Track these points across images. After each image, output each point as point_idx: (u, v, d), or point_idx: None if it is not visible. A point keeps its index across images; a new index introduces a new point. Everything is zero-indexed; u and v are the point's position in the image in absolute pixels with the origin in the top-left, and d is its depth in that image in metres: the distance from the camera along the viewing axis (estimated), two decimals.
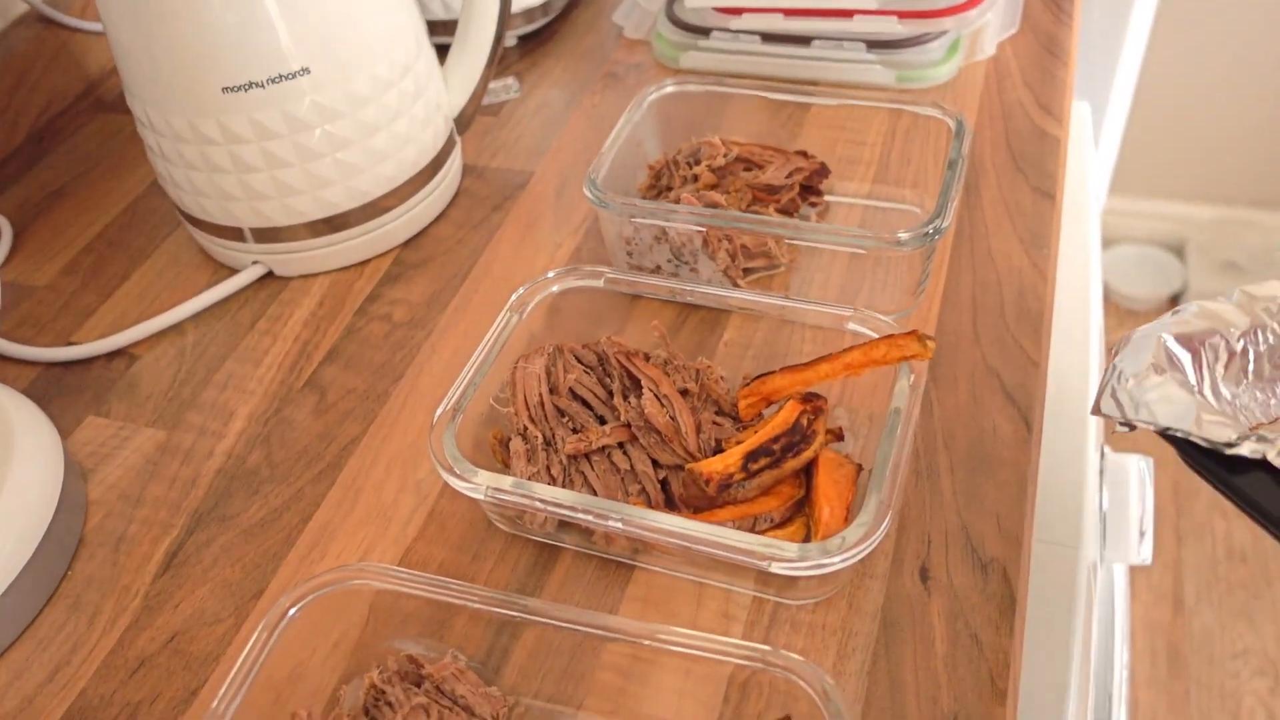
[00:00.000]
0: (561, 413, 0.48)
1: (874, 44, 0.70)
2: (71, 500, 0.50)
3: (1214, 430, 0.38)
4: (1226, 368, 0.43)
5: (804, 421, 0.45)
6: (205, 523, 0.50)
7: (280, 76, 0.55)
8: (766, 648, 0.37)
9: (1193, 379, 0.42)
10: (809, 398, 0.46)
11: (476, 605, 0.41)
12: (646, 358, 0.49)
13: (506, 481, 0.43)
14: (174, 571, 0.48)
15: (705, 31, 0.73)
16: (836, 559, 0.39)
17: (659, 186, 0.61)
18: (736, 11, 0.72)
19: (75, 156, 0.76)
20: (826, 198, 0.62)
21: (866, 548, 0.39)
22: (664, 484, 0.46)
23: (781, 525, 0.45)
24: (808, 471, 0.46)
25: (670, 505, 0.46)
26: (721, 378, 0.49)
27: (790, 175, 0.59)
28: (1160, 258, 1.91)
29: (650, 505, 0.45)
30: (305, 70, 0.56)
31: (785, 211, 0.59)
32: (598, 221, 0.63)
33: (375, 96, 0.58)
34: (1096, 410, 0.41)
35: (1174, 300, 1.87)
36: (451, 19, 0.75)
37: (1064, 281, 0.78)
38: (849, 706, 0.35)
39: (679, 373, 0.49)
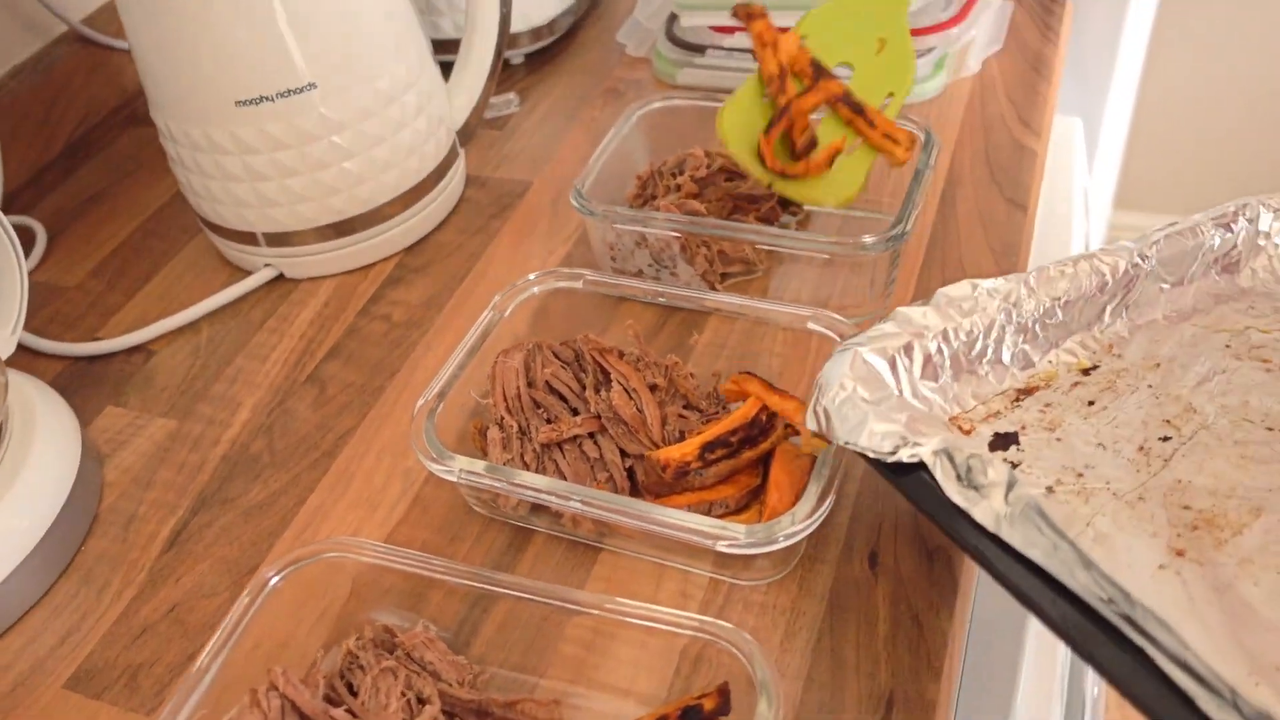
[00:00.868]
0: (537, 404, 0.51)
1: None
2: (88, 482, 0.54)
3: (877, 441, 0.40)
4: (923, 369, 0.45)
5: (763, 417, 0.48)
6: (209, 505, 0.54)
7: (289, 91, 0.59)
8: (704, 618, 0.40)
9: (892, 385, 0.44)
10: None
11: (452, 580, 0.44)
12: (621, 355, 0.52)
13: (479, 466, 0.46)
14: (178, 548, 0.52)
15: (701, 49, 0.77)
16: (780, 539, 0.42)
17: (645, 195, 0.64)
18: (730, 30, 0.75)
19: (108, 167, 0.81)
20: (806, 207, 0.65)
21: (807, 529, 0.42)
22: (630, 472, 0.49)
23: (737, 511, 0.47)
24: (766, 462, 0.48)
25: (635, 492, 0.49)
26: (691, 374, 0.52)
27: None
28: None
29: (616, 491, 0.48)
30: (313, 85, 0.60)
31: (765, 220, 0.62)
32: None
33: (378, 110, 0.62)
34: (805, 424, 0.43)
35: None
36: (461, 38, 0.79)
37: None
38: (773, 670, 0.38)
39: (649, 369, 0.51)
